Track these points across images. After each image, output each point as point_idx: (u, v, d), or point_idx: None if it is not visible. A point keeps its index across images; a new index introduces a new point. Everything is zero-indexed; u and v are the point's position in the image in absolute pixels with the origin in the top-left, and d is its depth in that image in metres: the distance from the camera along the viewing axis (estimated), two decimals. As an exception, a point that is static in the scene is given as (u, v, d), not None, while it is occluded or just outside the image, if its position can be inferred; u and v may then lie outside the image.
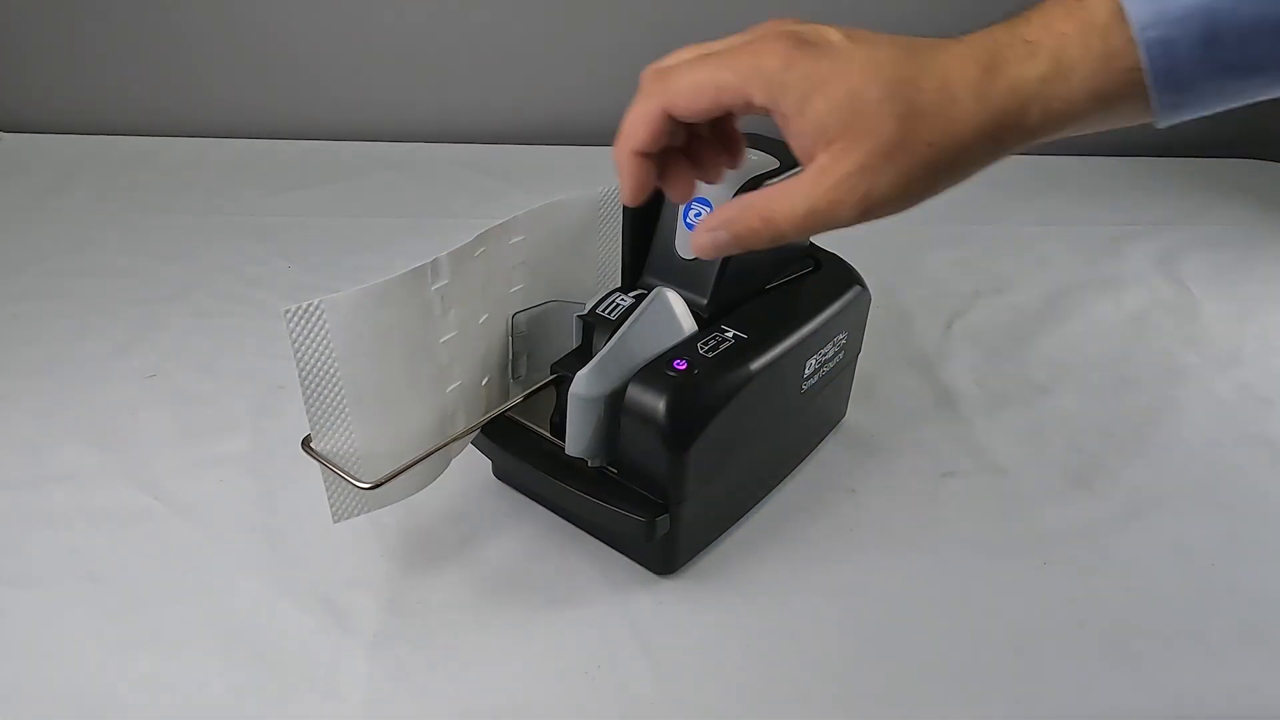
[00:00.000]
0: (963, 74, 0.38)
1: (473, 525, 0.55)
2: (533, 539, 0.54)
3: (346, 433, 0.44)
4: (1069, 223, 0.94)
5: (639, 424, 0.47)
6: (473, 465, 0.56)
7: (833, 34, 0.38)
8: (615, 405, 0.47)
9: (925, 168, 0.38)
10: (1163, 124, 0.38)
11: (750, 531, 0.55)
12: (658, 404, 0.46)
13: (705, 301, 0.51)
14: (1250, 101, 0.37)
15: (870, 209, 0.39)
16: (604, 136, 0.43)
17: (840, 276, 0.58)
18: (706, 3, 1.01)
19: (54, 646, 0.47)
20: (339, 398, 0.43)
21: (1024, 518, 0.57)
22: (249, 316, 0.74)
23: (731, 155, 0.44)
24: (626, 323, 0.49)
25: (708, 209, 0.51)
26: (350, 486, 0.44)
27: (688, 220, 0.51)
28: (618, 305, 0.51)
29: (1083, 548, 0.55)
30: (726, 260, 0.51)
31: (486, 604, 0.50)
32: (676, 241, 0.52)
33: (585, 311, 0.51)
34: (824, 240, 0.60)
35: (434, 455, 0.47)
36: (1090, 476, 0.61)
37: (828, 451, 0.62)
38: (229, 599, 0.50)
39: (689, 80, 0.38)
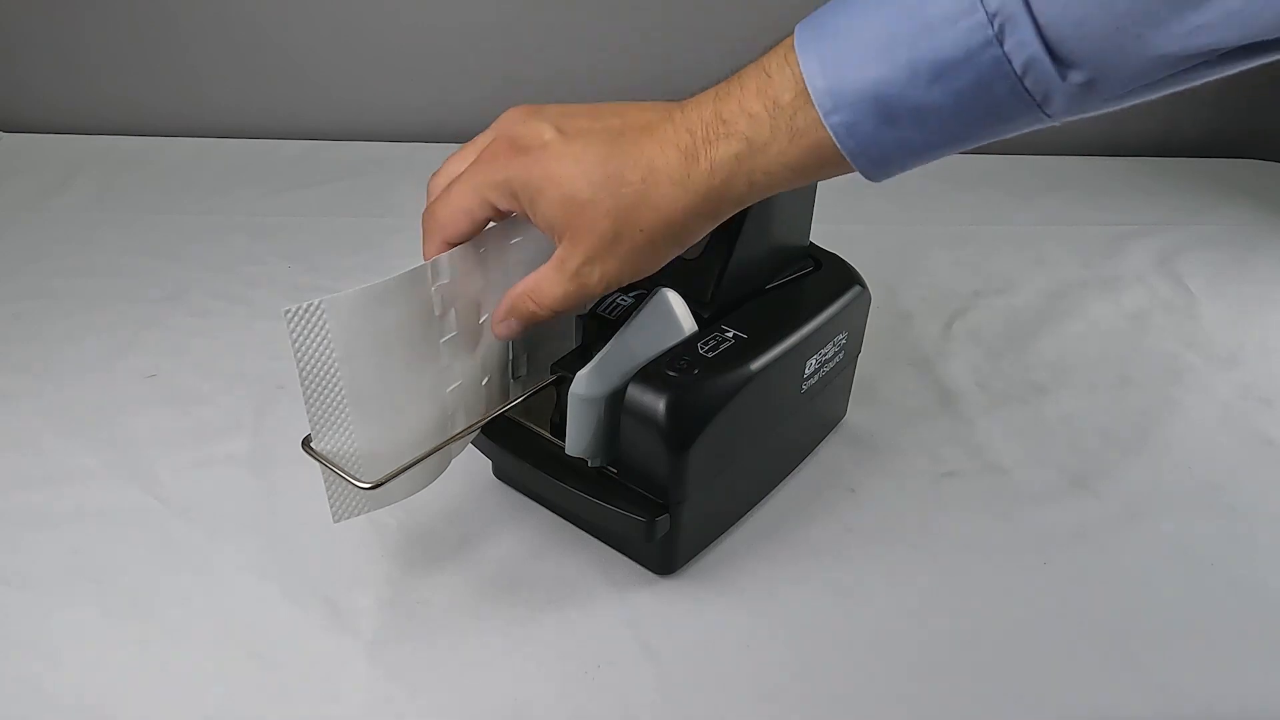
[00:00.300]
0: (664, 162, 0.40)
1: (473, 525, 0.55)
2: (533, 539, 0.54)
3: (347, 433, 0.44)
4: (1069, 223, 0.94)
5: (639, 424, 0.47)
6: (473, 465, 0.56)
7: (547, 131, 0.42)
8: (615, 405, 0.47)
9: (645, 248, 0.42)
10: (879, 180, 0.39)
11: (750, 531, 0.55)
12: (658, 404, 0.46)
13: (705, 301, 0.51)
14: (960, 151, 0.38)
15: (611, 284, 0.43)
16: (604, 136, 0.43)
17: (840, 276, 0.58)
18: (704, 4, 1.01)
19: (54, 646, 0.47)
20: (339, 398, 0.43)
21: (1024, 518, 0.57)
22: (249, 316, 0.74)
23: None
24: (626, 323, 0.49)
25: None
26: (350, 486, 0.44)
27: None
28: (618, 305, 0.51)
29: (1083, 548, 0.55)
30: (726, 260, 0.51)
31: (486, 604, 0.50)
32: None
33: (585, 312, 0.51)
34: (824, 240, 0.60)
35: (434, 455, 0.47)
36: (1090, 476, 0.61)
37: (828, 451, 0.62)
38: (229, 599, 0.50)
39: (448, 214, 0.44)
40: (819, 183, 0.55)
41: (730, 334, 0.50)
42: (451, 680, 0.46)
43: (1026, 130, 0.36)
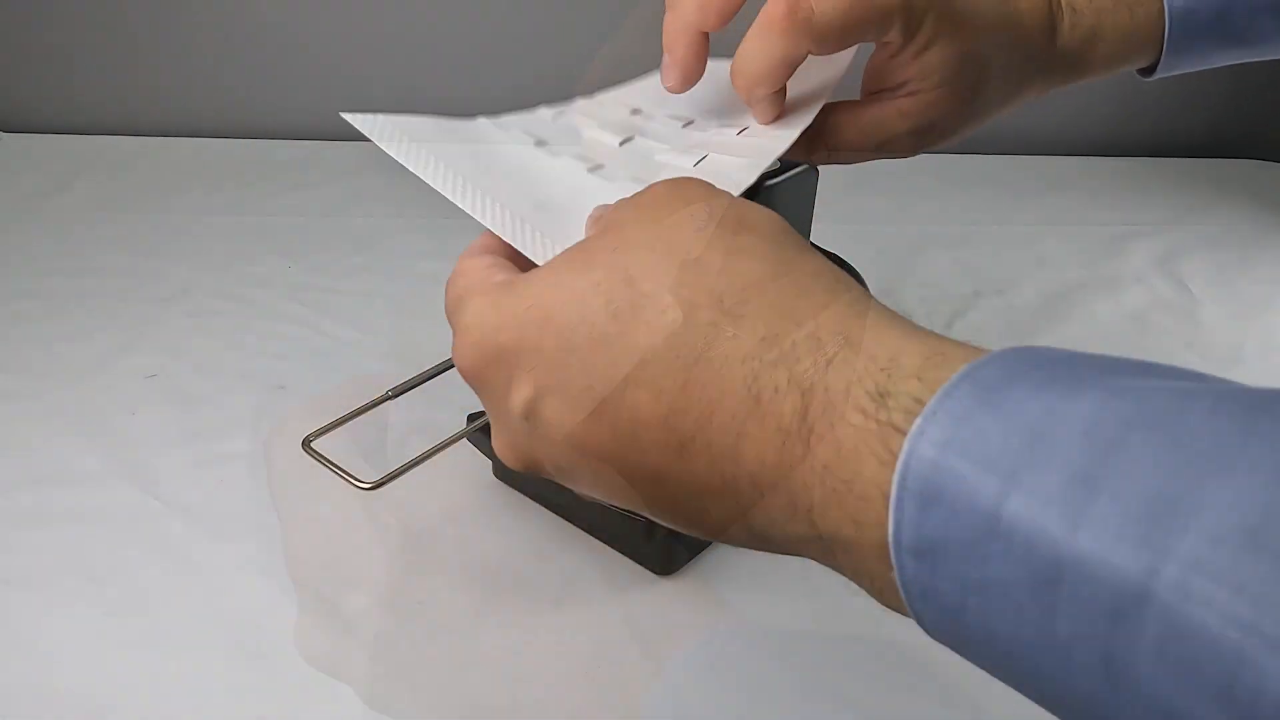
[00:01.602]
0: (1035, 20, 0.40)
1: (473, 525, 0.55)
2: (533, 539, 0.54)
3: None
4: (1069, 223, 0.94)
5: (639, 424, 0.47)
6: (473, 465, 0.56)
7: None
8: None
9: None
10: (1152, 79, 0.43)
11: (750, 531, 0.55)
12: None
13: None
14: (1226, 64, 0.42)
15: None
16: (604, 136, 0.43)
17: (840, 276, 0.58)
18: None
19: (54, 646, 0.47)
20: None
21: (1024, 518, 0.57)
22: (249, 316, 0.74)
23: None
24: None
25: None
26: None
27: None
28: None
29: (1083, 548, 0.55)
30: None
31: (486, 604, 0.50)
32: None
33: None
34: (824, 240, 0.59)
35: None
36: (1090, 476, 0.61)
37: (828, 451, 0.62)
38: (229, 599, 0.50)
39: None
40: (819, 183, 0.55)
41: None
42: (451, 680, 0.46)
43: None
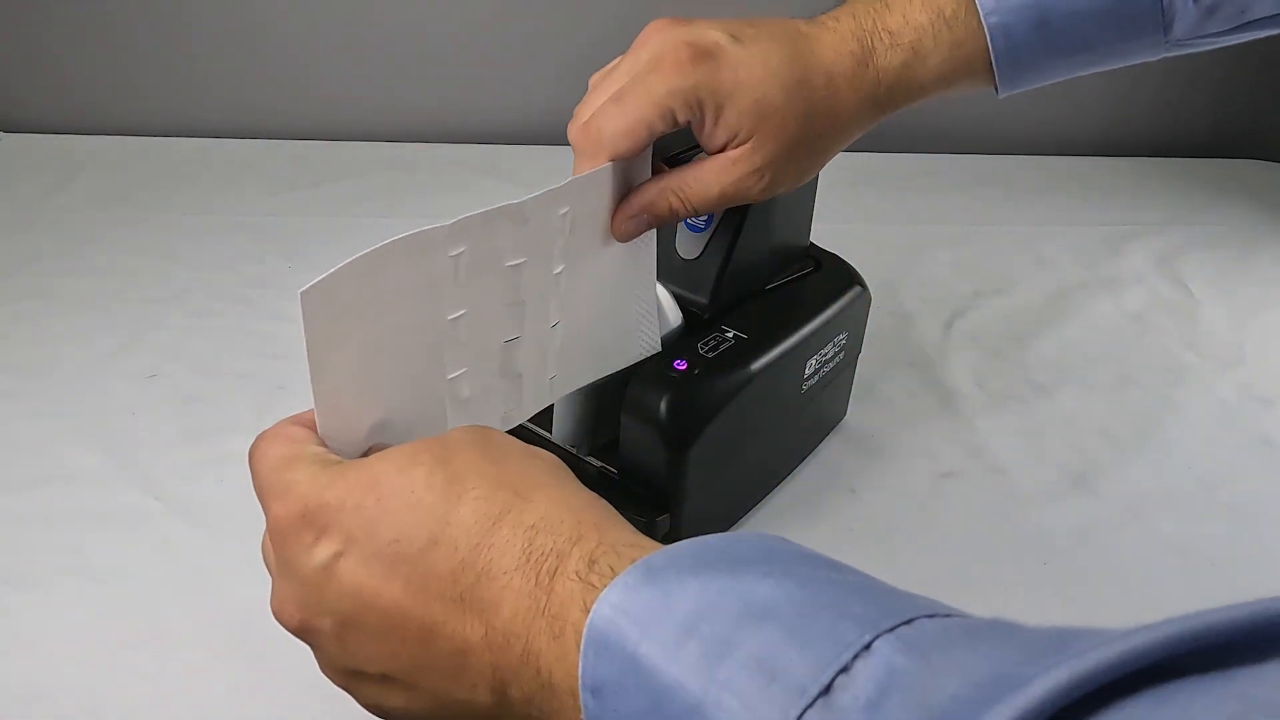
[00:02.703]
0: (841, 67, 0.43)
1: (473, 525, 0.55)
2: (533, 539, 0.54)
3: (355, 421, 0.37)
4: (1069, 223, 0.94)
5: (639, 424, 0.47)
6: (473, 465, 0.56)
7: (719, 35, 0.42)
8: (602, 396, 0.47)
9: (818, 155, 0.45)
10: (1002, 95, 0.45)
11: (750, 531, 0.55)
12: (658, 404, 0.46)
13: (705, 301, 0.51)
14: (1077, 75, 0.45)
15: (772, 191, 0.44)
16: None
17: (840, 276, 0.58)
18: (713, 10, 1.01)
19: (54, 646, 0.47)
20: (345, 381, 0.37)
21: (1024, 518, 0.57)
22: (249, 316, 0.74)
23: None
24: None
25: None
26: None
27: (688, 222, 0.51)
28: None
29: (1083, 548, 0.55)
30: (727, 260, 0.51)
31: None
32: (677, 242, 0.52)
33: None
34: (824, 240, 0.60)
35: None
36: (1090, 476, 0.61)
37: (828, 451, 0.62)
38: (229, 599, 0.50)
39: (620, 127, 0.41)
40: (819, 183, 0.55)
41: (730, 334, 0.50)
42: (451, 680, 0.46)
43: (1139, 59, 0.42)
